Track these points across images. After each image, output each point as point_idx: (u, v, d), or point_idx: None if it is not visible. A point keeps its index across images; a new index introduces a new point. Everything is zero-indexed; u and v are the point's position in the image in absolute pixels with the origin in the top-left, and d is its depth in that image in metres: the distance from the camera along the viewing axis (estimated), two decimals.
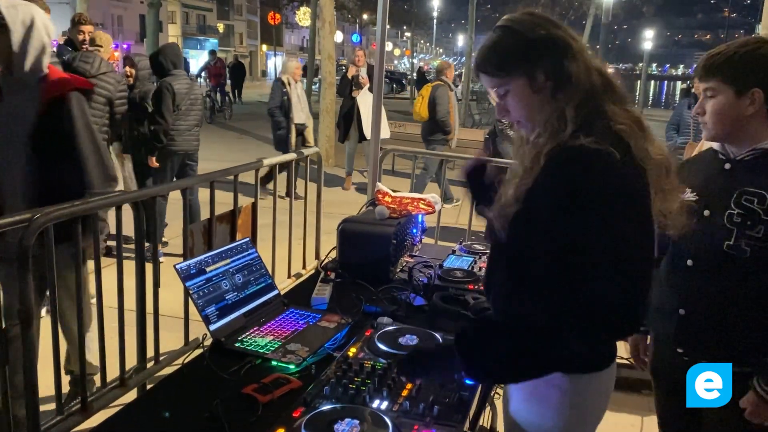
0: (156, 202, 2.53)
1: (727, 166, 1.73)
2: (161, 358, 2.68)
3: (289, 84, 7.42)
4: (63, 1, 22.40)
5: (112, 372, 2.49)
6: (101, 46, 4.81)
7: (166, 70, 5.14)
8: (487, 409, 2.74)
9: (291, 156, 3.51)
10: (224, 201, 2.99)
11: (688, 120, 6.72)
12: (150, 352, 2.62)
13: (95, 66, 4.51)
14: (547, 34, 1.38)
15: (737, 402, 1.64)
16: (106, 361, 2.41)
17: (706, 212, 1.70)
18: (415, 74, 26.71)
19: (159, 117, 5.02)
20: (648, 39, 29.33)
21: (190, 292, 1.93)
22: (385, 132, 8.21)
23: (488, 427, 2.60)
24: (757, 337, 1.64)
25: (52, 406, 2.29)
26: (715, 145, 1.81)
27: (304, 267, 3.83)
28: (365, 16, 42.18)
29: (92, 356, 2.54)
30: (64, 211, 2.02)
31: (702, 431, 1.82)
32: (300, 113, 7.55)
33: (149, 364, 2.62)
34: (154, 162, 5.14)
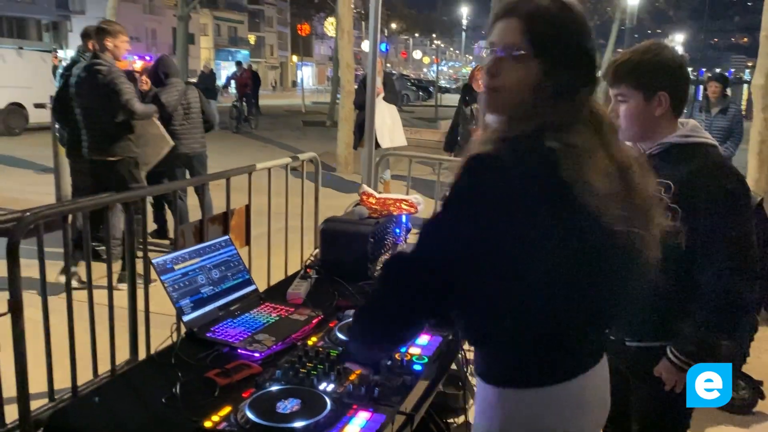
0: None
1: None
2: (153, 352, 2.81)
3: None
4: (100, 17, 23.01)
5: (104, 365, 2.64)
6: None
7: (159, 80, 5.39)
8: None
9: (285, 160, 3.63)
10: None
11: (700, 123, 6.70)
12: (142, 348, 2.76)
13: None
14: (591, 45, 1.29)
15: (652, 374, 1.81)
16: (97, 354, 2.55)
17: None
18: (458, 83, 26.62)
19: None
20: (678, 43, 28.96)
21: (165, 285, 2.05)
22: (401, 139, 8.30)
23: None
24: (666, 315, 1.80)
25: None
26: (628, 142, 1.92)
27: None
28: (393, 26, 42.51)
29: None
30: (52, 210, 2.18)
31: (630, 402, 1.96)
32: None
33: (141, 358, 2.76)
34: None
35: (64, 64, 10.85)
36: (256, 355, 1.88)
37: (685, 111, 1.99)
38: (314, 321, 2.12)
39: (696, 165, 1.76)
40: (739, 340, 3.00)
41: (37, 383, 2.30)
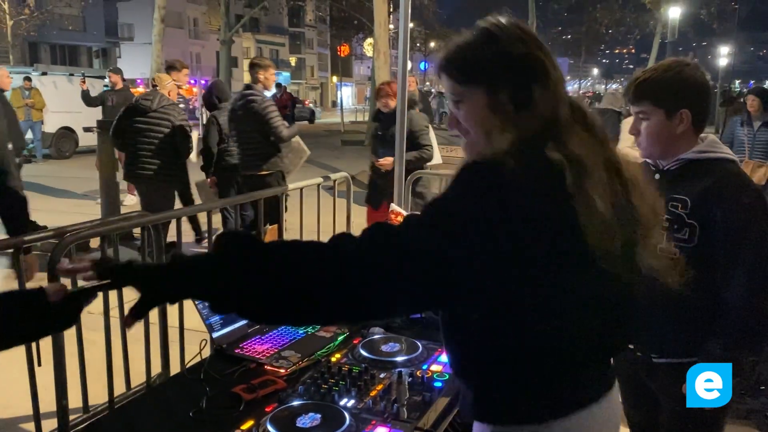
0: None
1: (657, 176, 1.87)
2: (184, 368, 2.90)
3: None
4: (147, 42, 23.73)
5: (138, 378, 2.73)
6: (156, 86, 5.44)
7: (213, 104, 5.75)
8: None
9: (317, 180, 3.70)
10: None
11: (742, 138, 6.56)
12: (175, 362, 2.84)
13: (155, 102, 5.19)
14: (527, 53, 1.22)
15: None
16: (130, 370, 2.64)
17: None
18: None
19: (204, 146, 5.69)
20: (723, 56, 28.37)
21: (196, 302, 2.12)
22: (437, 158, 8.32)
23: None
24: (692, 331, 1.77)
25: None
26: (648, 159, 1.93)
27: None
28: (431, 44, 42.75)
29: None
30: (93, 231, 2.28)
31: (659, 419, 1.93)
32: None
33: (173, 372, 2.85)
34: (211, 181, 5.78)
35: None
36: (282, 371, 1.92)
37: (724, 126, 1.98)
38: (340, 337, 2.16)
39: (712, 180, 1.75)
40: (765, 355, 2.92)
41: (71, 399, 2.39)
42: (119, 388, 2.64)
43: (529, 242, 1.13)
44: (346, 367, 1.85)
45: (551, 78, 1.23)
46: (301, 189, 3.52)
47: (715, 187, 1.73)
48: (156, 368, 2.75)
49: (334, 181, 3.80)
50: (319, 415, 1.56)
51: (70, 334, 2.15)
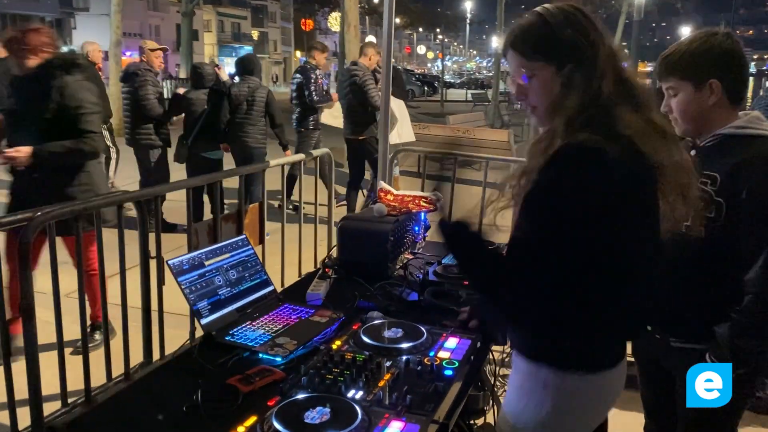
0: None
1: (693, 152, 1.79)
2: (167, 355, 2.74)
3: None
4: (104, 13, 22.92)
5: (118, 368, 2.57)
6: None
7: (200, 81, 6.04)
8: (495, 407, 2.74)
9: (299, 156, 3.56)
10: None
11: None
12: (156, 349, 2.69)
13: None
14: (572, 36, 1.40)
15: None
16: (111, 357, 2.48)
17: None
18: (463, 78, 26.57)
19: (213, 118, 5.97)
20: (684, 36, 28.77)
21: (182, 287, 1.98)
22: (410, 135, 8.20)
23: (494, 424, 2.59)
24: (710, 316, 1.71)
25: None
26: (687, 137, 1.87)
27: (315, 267, 3.86)
28: (397, 20, 42.38)
29: None
30: (64, 210, 2.10)
31: (676, 406, 1.88)
32: None
33: (155, 359, 2.69)
34: (224, 147, 6.05)
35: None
36: (278, 359, 1.81)
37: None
38: (336, 323, 2.04)
39: (743, 156, 1.66)
40: None
41: (47, 384, 2.23)
42: (98, 378, 2.49)
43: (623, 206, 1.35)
44: (349, 355, 1.73)
45: (599, 53, 1.40)
46: (283, 166, 3.37)
47: (745, 164, 1.64)
48: (136, 356, 2.59)
49: (316, 157, 3.66)
50: (328, 409, 1.45)
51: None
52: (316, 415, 1.43)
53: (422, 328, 1.91)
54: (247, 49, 48.27)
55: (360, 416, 1.42)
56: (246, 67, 6.02)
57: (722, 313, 1.69)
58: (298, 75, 7.03)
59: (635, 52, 23.41)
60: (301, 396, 1.51)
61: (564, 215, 1.32)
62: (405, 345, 1.81)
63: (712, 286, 1.71)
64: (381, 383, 1.59)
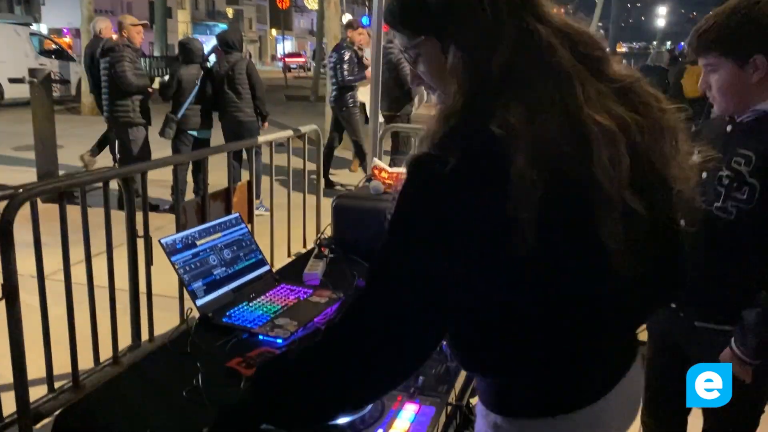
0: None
1: (729, 128, 1.68)
2: (156, 337, 2.66)
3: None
4: None
5: (106, 351, 2.47)
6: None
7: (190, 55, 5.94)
8: None
9: (287, 133, 3.46)
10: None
11: None
12: (145, 331, 2.60)
13: None
14: None
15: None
16: (99, 340, 2.39)
17: (704, 175, 1.65)
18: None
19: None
20: (661, 16, 28.89)
21: (176, 267, 1.89)
22: None
23: None
24: (739, 298, 1.62)
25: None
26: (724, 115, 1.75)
27: (304, 246, 3.80)
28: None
29: None
30: (47, 187, 2.00)
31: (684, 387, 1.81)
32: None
33: (144, 344, 2.61)
34: None
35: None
36: (279, 341, 1.74)
37: None
38: (336, 303, 1.98)
39: None
40: None
41: (33, 368, 2.13)
42: (85, 361, 2.39)
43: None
44: None
45: (501, 7, 1.00)
46: (272, 142, 3.27)
47: None
48: (124, 339, 2.50)
49: (304, 134, 3.56)
50: None
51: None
52: None
53: None
54: (221, 27, 47.48)
55: None
56: (227, 41, 5.99)
57: (752, 297, 1.61)
58: (334, 53, 7.18)
59: (615, 34, 23.35)
60: None
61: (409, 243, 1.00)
62: None
63: (743, 269, 1.63)
64: None
